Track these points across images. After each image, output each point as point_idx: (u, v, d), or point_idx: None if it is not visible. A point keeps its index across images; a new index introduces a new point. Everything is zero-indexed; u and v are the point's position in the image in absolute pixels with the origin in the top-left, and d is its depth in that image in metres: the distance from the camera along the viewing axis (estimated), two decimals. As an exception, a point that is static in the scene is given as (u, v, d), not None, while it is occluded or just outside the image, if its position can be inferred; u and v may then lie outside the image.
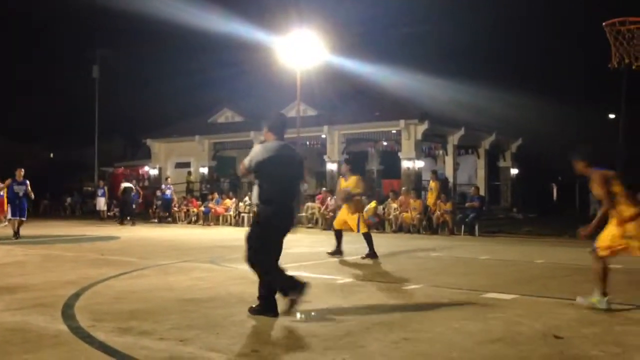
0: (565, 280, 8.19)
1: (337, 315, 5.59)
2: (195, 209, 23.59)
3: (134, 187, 23.57)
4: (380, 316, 5.55)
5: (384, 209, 19.09)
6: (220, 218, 22.52)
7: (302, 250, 11.32)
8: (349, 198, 10.57)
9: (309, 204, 21.93)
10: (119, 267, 8.92)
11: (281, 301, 5.44)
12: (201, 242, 14.08)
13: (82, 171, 38.79)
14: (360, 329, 5.03)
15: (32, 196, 15.19)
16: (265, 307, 5.44)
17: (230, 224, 21.92)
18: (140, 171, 34.15)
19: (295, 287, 5.35)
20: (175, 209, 24.30)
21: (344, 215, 10.69)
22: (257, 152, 5.57)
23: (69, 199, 33.32)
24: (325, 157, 26.29)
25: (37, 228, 18.27)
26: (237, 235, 17.00)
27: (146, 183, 31.75)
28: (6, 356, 4.21)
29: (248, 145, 28.46)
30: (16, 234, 14.65)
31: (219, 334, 4.84)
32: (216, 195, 23.53)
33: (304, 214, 21.59)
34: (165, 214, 24.25)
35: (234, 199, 22.94)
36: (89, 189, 34.47)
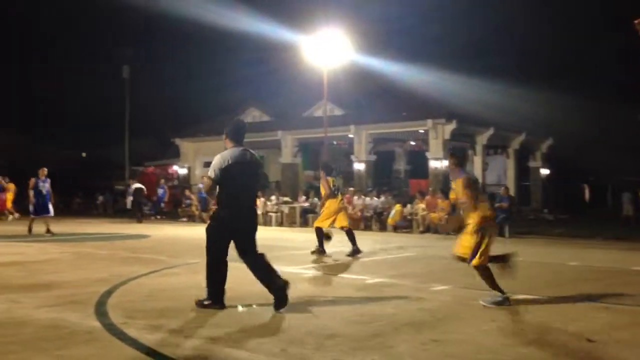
0: (598, 283, 8.05)
1: (366, 315, 5.59)
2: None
3: (144, 188, 24.06)
4: (408, 317, 5.53)
5: (411, 209, 19.02)
6: (248, 217, 22.64)
7: (330, 250, 11.33)
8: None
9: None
10: (149, 265, 9.04)
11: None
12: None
13: (113, 170, 39.35)
14: (388, 329, 5.02)
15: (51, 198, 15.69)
16: (277, 301, 5.75)
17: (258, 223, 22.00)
18: (170, 170, 34.51)
19: (214, 299, 5.83)
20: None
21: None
22: (217, 161, 5.85)
23: (100, 198, 33.85)
24: (353, 157, 26.26)
25: (69, 226, 18.60)
26: (265, 235, 17.06)
27: (175, 182, 32.09)
28: (41, 352, 4.30)
29: (275, 145, 28.64)
30: (30, 231, 15.24)
31: (248, 333, 4.88)
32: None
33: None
34: (201, 212, 24.40)
35: (261, 199, 23.04)
36: (120, 187, 34.93)
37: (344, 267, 9.27)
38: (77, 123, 43.00)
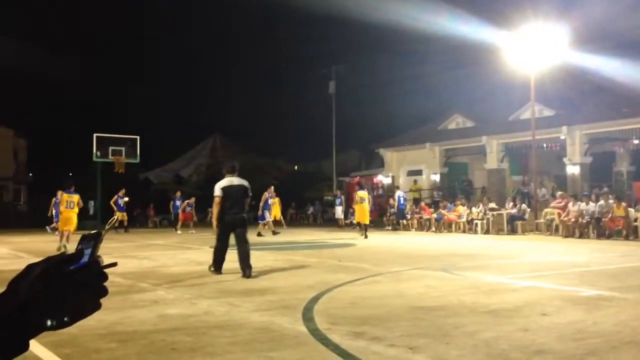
0: None
1: (580, 331, 5.14)
2: (427, 216, 23.66)
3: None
4: (630, 334, 4.97)
5: (635, 213, 17.17)
6: (453, 225, 22.27)
7: (542, 259, 10.67)
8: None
9: (547, 209, 20.59)
10: (353, 273, 9.29)
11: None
12: (433, 250, 14.04)
13: (322, 182, 41.38)
14: (606, 348, 4.56)
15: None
16: (243, 273, 8.92)
17: (463, 231, 21.53)
18: (375, 180, 35.31)
19: (215, 265, 9.27)
20: (407, 216, 24.60)
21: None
22: (217, 188, 9.16)
23: (311, 208, 35.86)
24: (565, 160, 24.53)
25: (285, 235, 19.92)
26: (470, 243, 16.66)
27: (380, 192, 32.74)
28: (254, 353, 4.63)
29: (480, 151, 27.84)
30: (273, 233, 19.78)
31: (449, 344, 4.76)
32: (447, 202, 23.36)
33: (542, 220, 20.35)
34: (399, 221, 24.63)
35: (466, 206, 22.53)
36: (329, 198, 36.60)
37: (558, 278, 8.64)
38: (289, 138, 45.96)
